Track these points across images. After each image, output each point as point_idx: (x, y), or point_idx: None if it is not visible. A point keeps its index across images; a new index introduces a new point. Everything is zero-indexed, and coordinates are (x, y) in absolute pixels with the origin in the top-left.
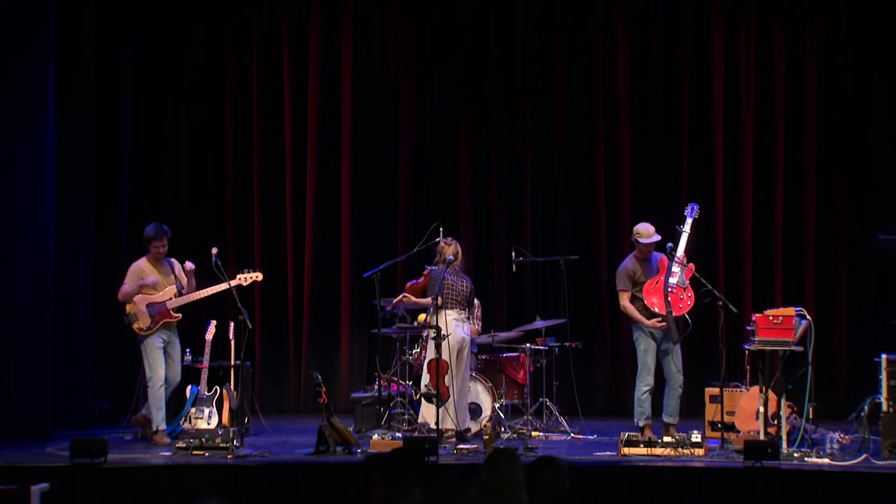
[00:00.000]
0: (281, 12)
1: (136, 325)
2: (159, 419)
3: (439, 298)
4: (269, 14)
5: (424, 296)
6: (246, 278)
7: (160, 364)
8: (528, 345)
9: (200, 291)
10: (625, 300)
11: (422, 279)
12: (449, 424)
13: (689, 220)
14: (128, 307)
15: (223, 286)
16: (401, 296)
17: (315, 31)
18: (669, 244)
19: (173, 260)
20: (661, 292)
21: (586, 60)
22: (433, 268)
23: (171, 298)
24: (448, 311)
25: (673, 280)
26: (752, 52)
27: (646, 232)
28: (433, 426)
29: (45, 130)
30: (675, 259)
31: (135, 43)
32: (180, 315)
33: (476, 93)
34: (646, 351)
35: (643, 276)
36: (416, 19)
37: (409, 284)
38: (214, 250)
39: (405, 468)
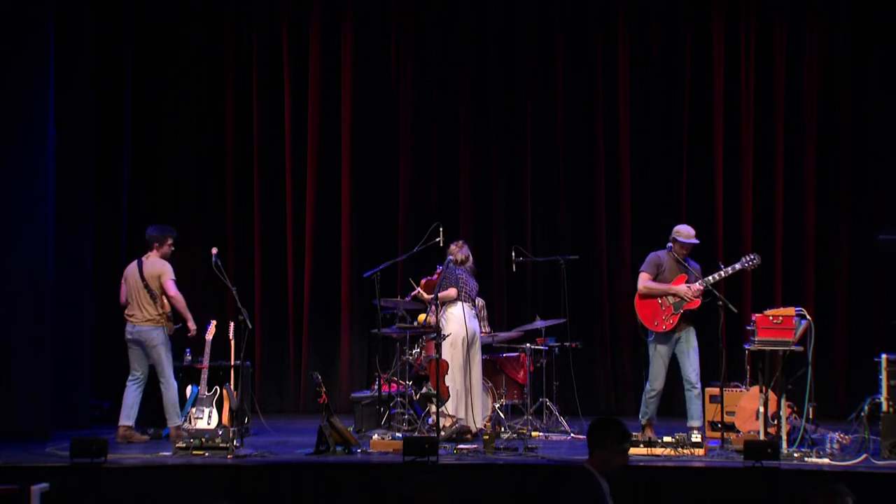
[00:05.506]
0: (281, 12)
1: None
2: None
3: (460, 292)
4: (269, 14)
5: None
6: None
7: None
8: (528, 345)
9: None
10: (644, 280)
11: (435, 276)
12: (471, 422)
13: (737, 266)
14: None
15: None
16: (417, 290)
17: (315, 31)
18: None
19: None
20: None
21: (586, 61)
22: (450, 265)
23: None
24: (465, 304)
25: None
26: (752, 52)
27: (686, 232)
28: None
29: (45, 131)
30: (702, 281)
31: (135, 43)
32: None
33: (476, 93)
34: (655, 356)
35: (668, 274)
36: (416, 19)
37: (423, 281)
38: (214, 250)
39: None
